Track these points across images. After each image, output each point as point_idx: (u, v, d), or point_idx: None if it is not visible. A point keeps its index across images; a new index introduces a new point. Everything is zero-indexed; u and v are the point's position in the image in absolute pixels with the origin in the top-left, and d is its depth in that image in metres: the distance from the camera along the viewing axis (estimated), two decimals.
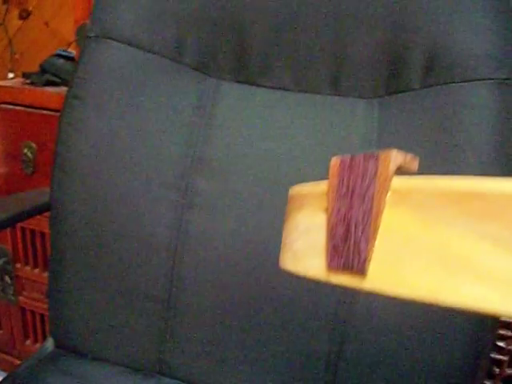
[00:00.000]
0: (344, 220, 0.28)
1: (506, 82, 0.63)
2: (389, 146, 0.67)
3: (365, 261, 0.26)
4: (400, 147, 0.67)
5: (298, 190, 0.34)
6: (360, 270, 0.26)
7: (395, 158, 0.26)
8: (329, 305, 0.67)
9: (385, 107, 0.69)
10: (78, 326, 0.73)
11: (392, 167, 0.26)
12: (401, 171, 0.27)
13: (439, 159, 0.64)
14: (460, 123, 0.63)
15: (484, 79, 0.63)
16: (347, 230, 0.28)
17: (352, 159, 0.29)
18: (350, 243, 0.27)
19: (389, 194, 0.26)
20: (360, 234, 0.27)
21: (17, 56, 1.65)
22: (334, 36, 0.69)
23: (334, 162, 0.30)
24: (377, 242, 0.26)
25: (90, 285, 0.72)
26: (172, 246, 0.70)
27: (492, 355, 0.94)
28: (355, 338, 0.66)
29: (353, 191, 0.28)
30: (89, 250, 0.71)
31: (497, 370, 0.95)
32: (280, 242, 0.67)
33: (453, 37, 0.64)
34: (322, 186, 0.30)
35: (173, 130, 0.71)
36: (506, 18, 0.64)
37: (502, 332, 0.92)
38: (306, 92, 0.71)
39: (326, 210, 0.29)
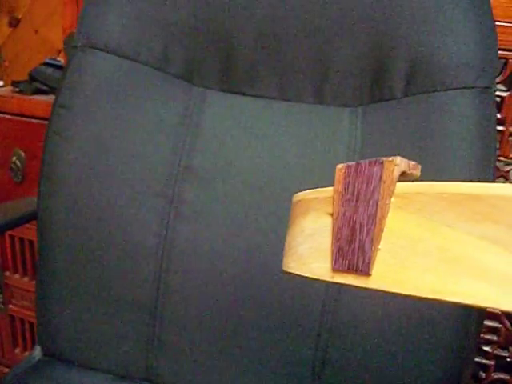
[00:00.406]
0: (349, 223, 0.29)
1: (487, 90, 0.64)
2: (372, 153, 0.68)
3: (369, 262, 0.27)
4: (382, 154, 0.67)
5: (303, 195, 0.35)
6: (365, 270, 0.27)
7: (399, 164, 0.28)
8: (314, 312, 0.67)
9: (368, 115, 0.69)
10: (65, 334, 0.74)
11: (396, 173, 0.28)
12: (404, 177, 0.28)
13: (422, 167, 0.65)
14: (442, 131, 0.64)
15: (465, 88, 0.64)
16: (352, 233, 0.29)
17: (357, 165, 0.30)
18: (354, 245, 0.28)
19: (392, 198, 0.27)
20: (365, 236, 0.28)
21: (6, 63, 1.65)
22: (318, 45, 0.70)
23: (340, 167, 0.31)
24: (381, 244, 0.27)
25: (76, 293, 0.72)
26: (159, 254, 0.70)
27: (478, 360, 0.94)
28: (340, 344, 0.67)
29: (358, 196, 0.29)
30: (76, 259, 0.71)
31: (483, 375, 0.95)
32: (267, 250, 0.68)
33: (434, 46, 0.65)
34: (327, 192, 0.32)
35: (159, 138, 0.71)
36: (486, 27, 0.65)
37: (487, 337, 0.93)
38: (290, 101, 0.72)
39: (332, 214, 0.31)
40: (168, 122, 0.72)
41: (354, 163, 0.30)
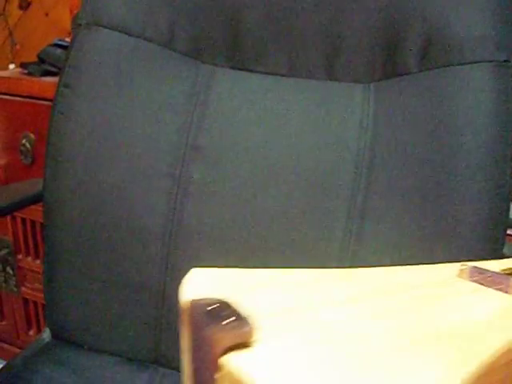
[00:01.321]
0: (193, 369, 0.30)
1: (505, 64, 0.62)
2: (385, 131, 0.66)
3: None
4: (395, 132, 0.65)
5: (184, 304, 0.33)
6: None
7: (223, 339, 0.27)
8: None
9: (381, 91, 0.67)
10: (74, 317, 0.73)
11: (220, 351, 0.27)
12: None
13: (436, 144, 0.63)
14: (458, 106, 0.62)
15: (482, 61, 0.62)
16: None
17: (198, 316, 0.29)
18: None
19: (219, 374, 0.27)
20: None
21: (18, 47, 1.64)
22: (329, 20, 0.67)
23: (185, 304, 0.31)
24: None
25: (84, 275, 0.71)
26: (166, 235, 0.69)
27: None
28: None
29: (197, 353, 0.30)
30: (82, 241, 0.70)
31: None
32: (275, 230, 0.66)
33: (450, 19, 0.62)
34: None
35: (166, 117, 0.70)
36: None
37: None
38: (300, 77, 0.70)
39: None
40: (175, 101, 0.70)
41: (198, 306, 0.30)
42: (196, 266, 0.68)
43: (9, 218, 1.24)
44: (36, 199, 0.73)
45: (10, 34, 1.63)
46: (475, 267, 0.36)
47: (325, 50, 0.68)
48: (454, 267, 0.37)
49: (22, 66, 1.21)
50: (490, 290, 0.33)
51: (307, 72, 0.70)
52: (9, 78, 1.17)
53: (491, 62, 0.62)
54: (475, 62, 0.62)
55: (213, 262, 0.68)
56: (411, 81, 0.65)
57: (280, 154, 0.68)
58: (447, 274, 0.36)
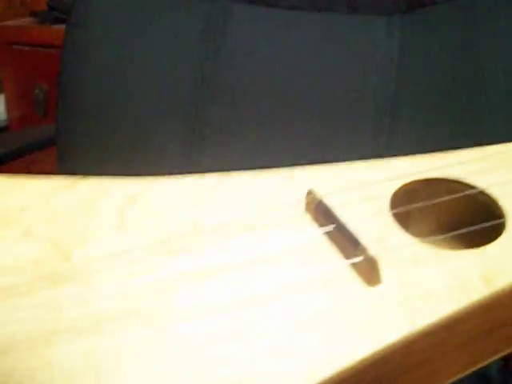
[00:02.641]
0: None
1: None
2: (411, 64, 0.64)
3: None
4: (422, 67, 0.63)
5: None
6: None
7: None
8: None
9: (406, 23, 0.64)
10: None
11: None
12: None
13: (465, 79, 0.60)
14: (491, 40, 0.60)
15: None
16: None
17: None
18: None
19: None
20: None
21: None
22: None
23: None
24: None
25: None
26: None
27: None
28: None
29: None
30: None
31: None
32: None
33: None
34: None
35: (180, 55, 0.67)
36: None
37: None
38: (322, 11, 0.67)
39: None
40: (189, 37, 0.68)
41: None
42: None
43: (24, 170, 1.23)
44: (49, 143, 0.72)
45: None
46: None
47: None
48: None
49: (32, 14, 1.19)
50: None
51: (329, 5, 0.67)
52: (19, 27, 1.15)
53: None
54: None
55: None
56: (439, 12, 0.63)
57: (300, 91, 0.66)
58: None
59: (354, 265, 0.25)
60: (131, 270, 0.26)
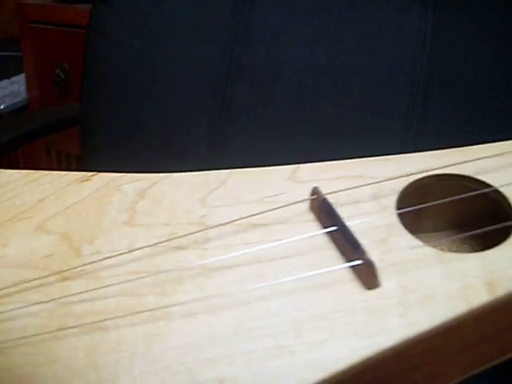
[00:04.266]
0: None
1: None
2: (444, 50, 0.62)
3: None
4: (456, 50, 0.61)
5: None
6: None
7: None
8: None
9: (441, 8, 0.62)
10: None
11: None
12: None
13: (502, 70, 0.59)
14: None
15: None
16: None
17: None
18: None
19: None
20: None
21: None
22: None
23: None
24: None
25: None
26: (208, 159, 0.67)
27: None
28: None
29: None
30: (119, 163, 0.69)
31: None
32: (322, 155, 0.64)
33: None
34: None
35: (208, 36, 0.66)
36: None
37: None
38: None
39: None
40: (217, 18, 0.67)
41: None
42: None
43: (43, 150, 1.24)
44: (73, 122, 0.72)
45: None
46: None
47: None
48: None
49: None
50: None
51: None
52: (41, 5, 1.14)
53: None
54: None
55: None
56: None
57: (330, 74, 0.64)
58: None
59: (353, 267, 0.26)
60: (139, 267, 0.27)
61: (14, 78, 1.31)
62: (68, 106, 0.76)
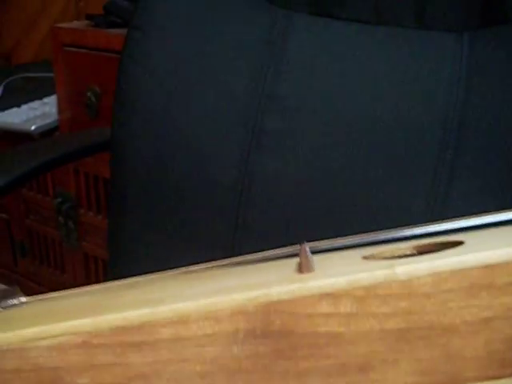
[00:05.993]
0: None
1: None
2: (479, 84, 0.60)
3: None
4: (492, 86, 0.60)
5: None
6: None
7: None
8: None
9: (476, 41, 0.61)
10: (137, 271, 0.71)
11: None
12: None
13: None
14: None
15: None
16: None
17: None
18: None
19: None
20: None
21: (82, 3, 1.63)
22: None
23: None
24: None
25: (149, 228, 0.69)
26: (238, 188, 0.65)
27: None
28: None
29: None
30: (150, 191, 0.68)
31: None
32: (354, 188, 0.62)
33: None
34: None
35: (240, 64, 0.66)
36: None
37: None
38: (387, 25, 0.64)
39: None
40: (250, 47, 0.66)
41: None
42: (266, 223, 0.65)
43: (72, 172, 1.24)
44: (103, 147, 0.71)
45: None
46: None
47: None
48: None
49: (88, 17, 1.19)
50: None
51: (395, 19, 0.64)
52: (74, 29, 1.15)
53: None
54: None
55: (285, 216, 0.64)
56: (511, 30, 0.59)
57: (362, 106, 0.63)
58: None
59: None
60: None
61: (45, 99, 1.31)
62: (99, 130, 0.74)
